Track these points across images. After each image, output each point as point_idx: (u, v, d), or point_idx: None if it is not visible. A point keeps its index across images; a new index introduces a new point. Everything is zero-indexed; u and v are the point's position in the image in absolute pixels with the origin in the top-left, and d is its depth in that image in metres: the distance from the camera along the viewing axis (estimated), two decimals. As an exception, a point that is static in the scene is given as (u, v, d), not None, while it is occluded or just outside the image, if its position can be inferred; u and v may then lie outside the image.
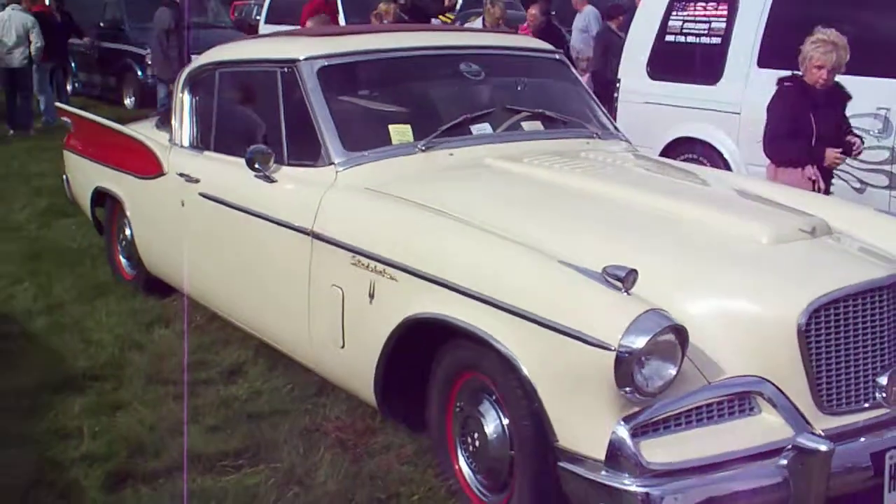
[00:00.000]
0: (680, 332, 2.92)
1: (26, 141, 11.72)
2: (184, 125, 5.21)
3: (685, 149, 7.71)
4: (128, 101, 14.03)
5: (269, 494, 3.66)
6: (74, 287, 5.96)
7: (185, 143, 5.17)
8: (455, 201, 3.77)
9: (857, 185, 6.69)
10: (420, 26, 5.30)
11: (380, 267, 3.67)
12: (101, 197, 5.99)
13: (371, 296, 3.72)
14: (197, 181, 4.86)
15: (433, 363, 3.62)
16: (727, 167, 7.40)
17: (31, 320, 5.46)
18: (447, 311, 3.38)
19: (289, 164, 4.33)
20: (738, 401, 3.11)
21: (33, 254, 6.72)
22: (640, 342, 2.84)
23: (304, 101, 4.30)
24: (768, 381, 3.11)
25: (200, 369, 4.81)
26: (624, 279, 2.96)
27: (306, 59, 4.38)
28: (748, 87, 7.30)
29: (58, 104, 7.39)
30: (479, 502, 3.52)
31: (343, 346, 3.90)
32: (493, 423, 3.38)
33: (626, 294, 2.96)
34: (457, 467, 3.61)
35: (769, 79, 7.08)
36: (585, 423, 3.01)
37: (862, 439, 3.20)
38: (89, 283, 6.00)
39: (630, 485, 2.90)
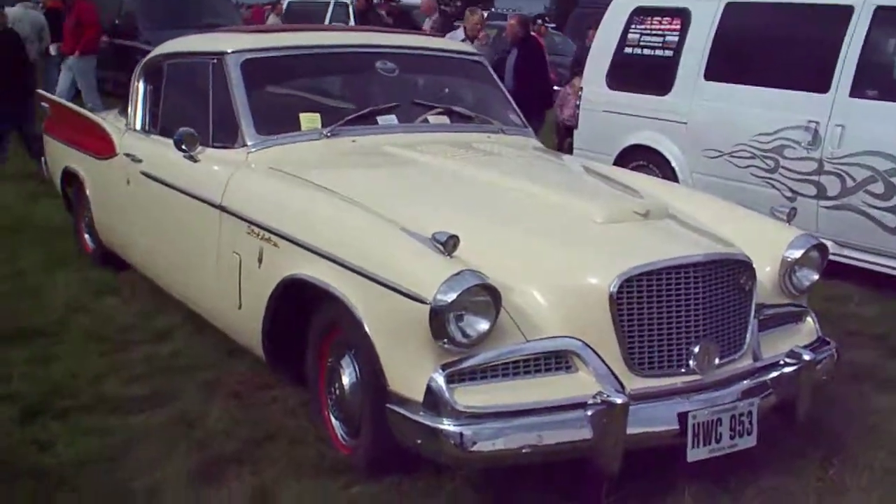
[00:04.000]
0: (492, 291, 3.32)
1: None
2: (136, 110, 5.71)
3: (637, 156, 8.09)
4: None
5: (164, 431, 4.12)
6: (40, 258, 6.47)
7: (138, 126, 5.67)
8: (339, 179, 4.24)
9: (789, 195, 7.02)
10: (346, 27, 5.71)
11: (266, 235, 4.12)
12: (69, 176, 6.49)
13: (259, 261, 4.16)
14: (140, 161, 5.34)
15: (310, 322, 4.05)
16: (674, 175, 7.77)
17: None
18: (311, 273, 3.81)
19: (212, 146, 4.79)
20: (556, 358, 3.50)
21: (13, 228, 7.26)
22: (451, 297, 3.25)
23: (228, 90, 4.77)
24: (584, 342, 3.50)
25: (134, 331, 5.29)
26: (445, 243, 3.37)
27: (233, 52, 4.86)
28: (695, 98, 7.67)
29: (38, 91, 7.89)
30: (341, 445, 3.92)
31: (240, 308, 4.34)
32: (349, 373, 3.80)
33: (447, 256, 3.37)
34: (325, 415, 4.02)
35: (714, 91, 7.52)
36: (410, 370, 3.42)
37: (670, 400, 3.58)
38: (54, 256, 6.51)
39: (442, 424, 3.30)
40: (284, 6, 18.40)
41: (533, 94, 9.61)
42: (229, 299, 4.41)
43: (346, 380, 3.81)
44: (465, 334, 3.32)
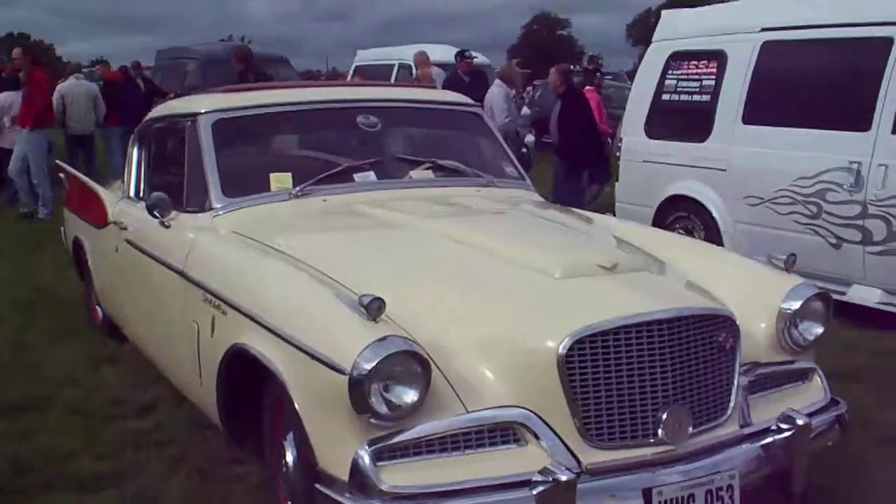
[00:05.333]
0: (419, 358, 3.02)
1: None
2: (130, 177, 5.61)
3: (678, 207, 7.69)
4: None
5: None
6: (49, 329, 6.43)
7: (131, 193, 5.56)
8: (297, 242, 4.01)
9: (833, 241, 6.53)
10: (329, 83, 5.51)
11: (217, 302, 3.90)
12: (78, 246, 6.43)
13: (212, 330, 3.94)
14: (125, 229, 5.22)
15: (262, 395, 3.79)
16: (715, 225, 7.34)
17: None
18: (250, 342, 3.56)
19: (186, 211, 4.62)
20: (501, 430, 3.15)
21: (31, 300, 7.26)
22: (370, 366, 2.95)
23: (199, 152, 4.61)
24: (532, 412, 3.15)
25: (121, 405, 5.11)
26: (368, 307, 3.08)
27: (205, 113, 4.71)
28: (734, 143, 7.26)
29: (57, 161, 7.93)
30: (293, 527, 3.64)
31: (200, 378, 4.12)
32: (291, 450, 3.51)
33: (370, 321, 3.07)
34: (282, 495, 3.74)
35: (753, 135, 7.09)
36: (337, 446, 3.11)
37: (633, 474, 3.19)
38: (64, 326, 6.46)
39: (366, 505, 2.98)
40: (351, 71, 18.53)
41: (579, 147, 9.34)
42: (192, 370, 4.19)
43: (289, 457, 3.53)
44: (390, 406, 3.02)
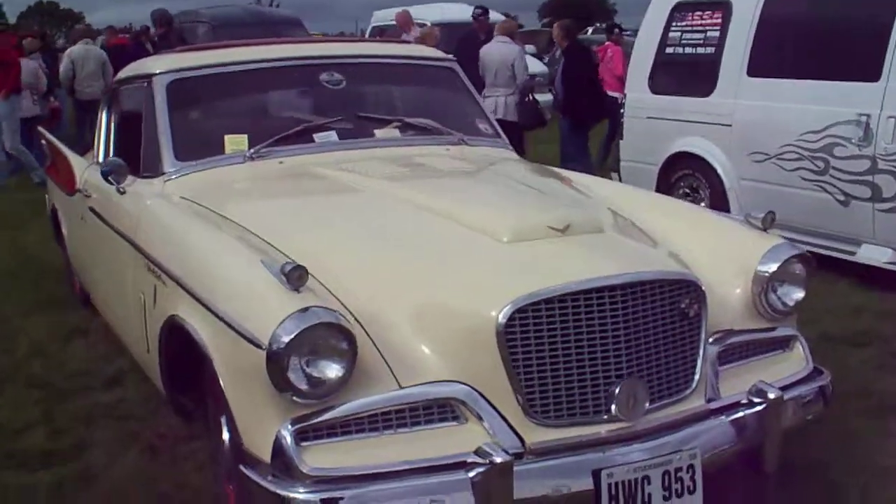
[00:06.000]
0: (344, 331, 2.79)
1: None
2: (99, 143, 5.40)
3: (683, 164, 7.38)
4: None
5: (57, 488, 3.77)
6: (28, 301, 6.28)
7: (100, 159, 5.35)
8: (244, 207, 3.83)
9: (841, 198, 6.20)
10: (292, 39, 5.21)
11: (158, 272, 3.69)
12: (55, 214, 6.26)
13: (154, 300, 3.73)
14: (89, 196, 5.02)
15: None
16: (720, 183, 7.02)
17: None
18: (183, 313, 3.35)
19: (142, 176, 4.40)
20: (439, 408, 2.92)
21: (13, 272, 7.13)
22: (288, 339, 2.73)
23: (154, 114, 4.38)
24: (472, 387, 2.91)
25: (87, 377, 4.95)
26: (289, 275, 2.85)
27: (160, 74, 4.48)
28: (738, 97, 6.91)
29: (39, 128, 7.74)
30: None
31: (148, 351, 3.92)
32: (225, 428, 3.30)
33: (293, 291, 2.85)
34: (223, 474, 3.54)
35: (759, 88, 6.74)
36: (261, 425, 2.90)
37: (583, 455, 2.94)
38: (43, 298, 6.30)
39: (289, 491, 2.76)
40: (367, 32, 18.16)
41: (583, 104, 9.03)
42: (141, 343, 4.01)
43: (225, 435, 3.31)
44: (312, 383, 2.79)
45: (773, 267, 3.46)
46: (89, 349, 5.35)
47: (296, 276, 2.85)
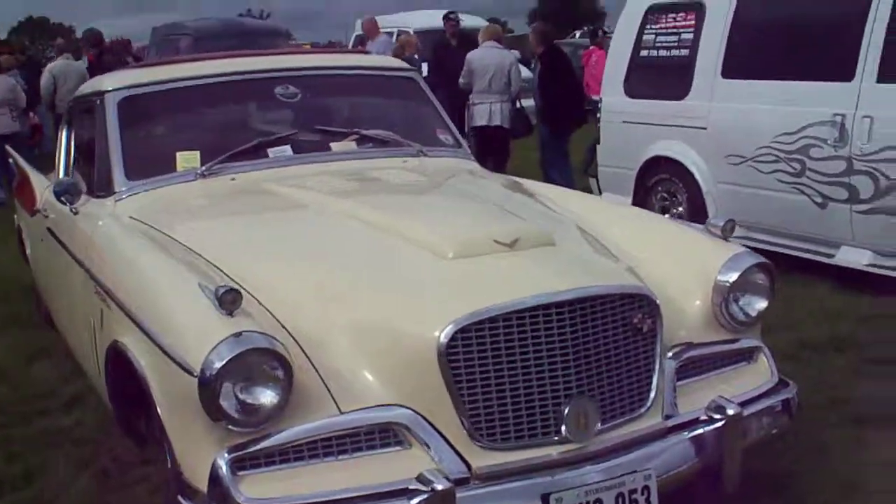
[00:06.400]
0: (279, 357, 2.69)
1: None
2: (59, 161, 5.30)
3: (660, 169, 7.28)
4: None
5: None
6: (-6, 320, 6.16)
7: (61, 177, 5.25)
8: (188, 228, 3.73)
9: (819, 200, 6.10)
10: (247, 53, 5.12)
11: (103, 295, 3.59)
12: (20, 234, 6.16)
13: (101, 324, 3.64)
14: (47, 216, 4.92)
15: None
16: (697, 187, 6.93)
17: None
18: (124, 339, 3.26)
19: (95, 196, 4.31)
20: (382, 433, 2.82)
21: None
22: (219, 365, 2.63)
23: (106, 132, 4.29)
24: (415, 411, 2.81)
25: (47, 399, 4.87)
26: (221, 299, 2.75)
27: (111, 91, 4.39)
28: (713, 99, 6.82)
29: (8, 147, 7.64)
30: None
31: (99, 373, 3.82)
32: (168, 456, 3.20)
33: (225, 315, 2.75)
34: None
35: (734, 90, 6.66)
36: (199, 454, 2.80)
37: (531, 479, 2.84)
38: (10, 317, 6.22)
39: (227, 522, 2.67)
40: (351, 41, 18.09)
41: (561, 110, 8.93)
42: (94, 367, 3.90)
43: (169, 463, 3.22)
44: (246, 411, 2.69)
45: (734, 276, 3.37)
46: (52, 370, 5.25)
47: (229, 300, 2.75)
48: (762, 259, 3.44)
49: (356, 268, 3.16)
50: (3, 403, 4.83)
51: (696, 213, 6.90)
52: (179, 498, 2.83)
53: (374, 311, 2.95)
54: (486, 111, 9.49)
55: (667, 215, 7.28)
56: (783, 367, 4.81)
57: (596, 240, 3.55)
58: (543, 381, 2.85)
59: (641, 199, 7.43)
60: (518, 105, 9.69)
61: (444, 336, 2.75)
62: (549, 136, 9.23)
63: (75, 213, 4.29)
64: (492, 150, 9.35)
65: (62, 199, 4.28)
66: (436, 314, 2.82)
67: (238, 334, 2.68)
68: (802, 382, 4.59)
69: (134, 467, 3.99)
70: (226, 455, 2.71)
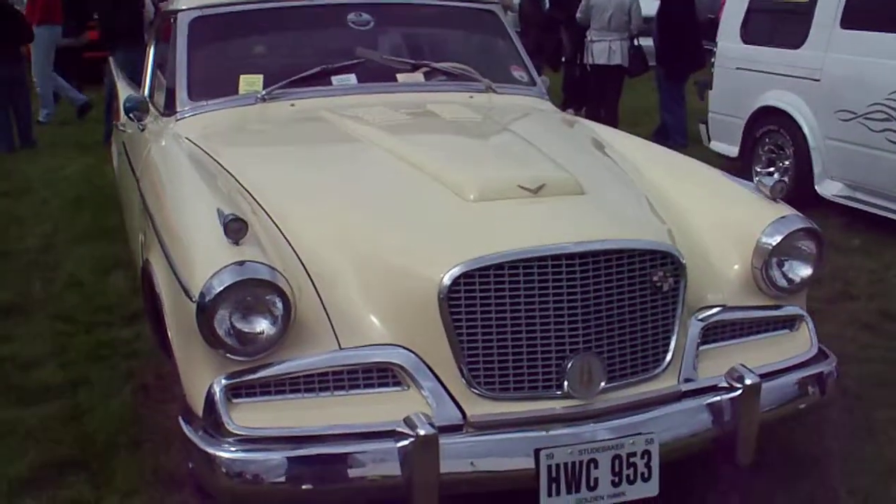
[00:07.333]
0: (278, 289, 2.68)
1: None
2: (145, 76, 5.39)
3: (769, 119, 6.93)
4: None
5: (39, 426, 3.76)
6: (82, 229, 6.42)
7: (146, 94, 5.35)
8: (233, 152, 3.73)
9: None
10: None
11: (146, 215, 3.66)
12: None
13: (146, 241, 3.71)
14: (124, 131, 5.04)
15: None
16: (805, 142, 6.57)
17: (24, 254, 5.96)
18: (151, 256, 3.32)
19: (162, 114, 4.37)
20: (380, 372, 2.79)
21: (75, 198, 7.31)
22: (215, 292, 2.64)
23: (175, 51, 4.34)
24: (415, 353, 2.77)
25: (114, 311, 5.00)
26: (226, 227, 2.75)
27: (185, 10, 4.41)
28: (829, 50, 6.41)
29: (109, 57, 7.81)
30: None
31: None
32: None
33: (230, 244, 2.75)
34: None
35: (851, 41, 6.26)
36: (199, 379, 2.83)
37: (525, 433, 2.76)
38: (97, 226, 6.41)
39: (212, 448, 2.69)
40: None
41: (677, 51, 8.61)
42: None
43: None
44: (242, 339, 2.69)
45: (777, 239, 3.16)
46: (126, 283, 5.39)
47: (234, 229, 2.75)
48: (811, 224, 3.22)
49: (379, 207, 3.11)
50: (74, 312, 4.99)
51: (802, 168, 6.58)
52: (180, 419, 2.88)
53: (386, 249, 2.90)
54: (605, 49, 9.36)
55: (772, 169, 6.99)
56: (859, 337, 4.63)
57: (638, 191, 3.38)
58: (548, 334, 2.75)
59: (749, 149, 7.12)
60: (637, 42, 9.43)
61: (446, 279, 2.69)
62: (664, 79, 8.92)
63: (142, 130, 4.38)
64: (608, 88, 9.20)
65: (130, 115, 4.38)
66: (442, 256, 2.75)
67: (241, 263, 2.68)
68: (872, 354, 4.42)
69: (174, 385, 4.07)
70: (222, 381, 2.73)
